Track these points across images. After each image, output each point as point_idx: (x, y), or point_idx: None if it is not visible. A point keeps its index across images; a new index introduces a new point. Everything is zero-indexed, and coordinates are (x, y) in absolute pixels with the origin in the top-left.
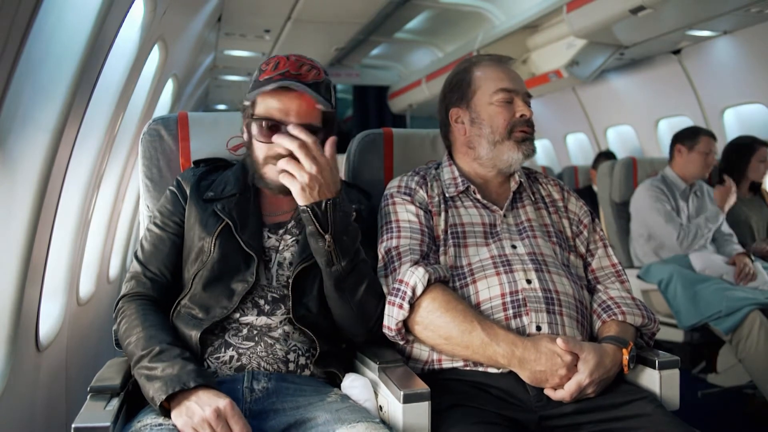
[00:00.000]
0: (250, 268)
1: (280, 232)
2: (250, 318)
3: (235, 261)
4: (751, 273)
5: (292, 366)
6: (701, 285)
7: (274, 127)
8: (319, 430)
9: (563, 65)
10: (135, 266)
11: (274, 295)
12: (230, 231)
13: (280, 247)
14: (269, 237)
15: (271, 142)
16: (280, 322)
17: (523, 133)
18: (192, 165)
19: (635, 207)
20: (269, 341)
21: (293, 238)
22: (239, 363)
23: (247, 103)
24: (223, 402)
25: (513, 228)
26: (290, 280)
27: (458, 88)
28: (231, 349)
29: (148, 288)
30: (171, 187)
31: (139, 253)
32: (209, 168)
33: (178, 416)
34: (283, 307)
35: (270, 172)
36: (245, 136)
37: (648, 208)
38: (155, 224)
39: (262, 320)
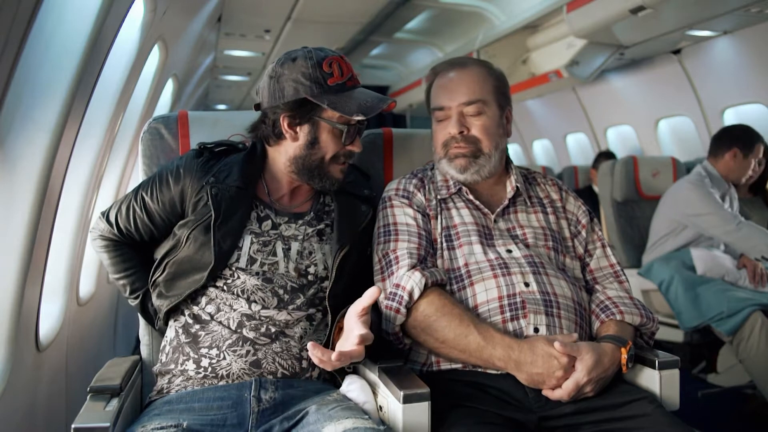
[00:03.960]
0: (207, 268)
1: (300, 222)
2: (271, 312)
3: (203, 256)
4: (764, 274)
5: (305, 364)
6: (702, 286)
7: (352, 129)
8: (309, 429)
9: (563, 65)
10: (104, 224)
11: (294, 284)
12: (211, 223)
13: (300, 236)
14: (288, 227)
15: (349, 146)
16: (298, 319)
17: (456, 149)
18: (195, 148)
19: (674, 198)
20: (285, 339)
21: (313, 229)
22: (255, 357)
23: (311, 99)
24: None
25: (505, 233)
26: (334, 264)
27: (426, 102)
28: (248, 343)
29: (118, 237)
30: (168, 176)
31: (114, 216)
32: (213, 154)
33: None
34: (302, 296)
35: (334, 169)
36: (304, 134)
37: (700, 196)
38: (142, 202)
39: (283, 315)
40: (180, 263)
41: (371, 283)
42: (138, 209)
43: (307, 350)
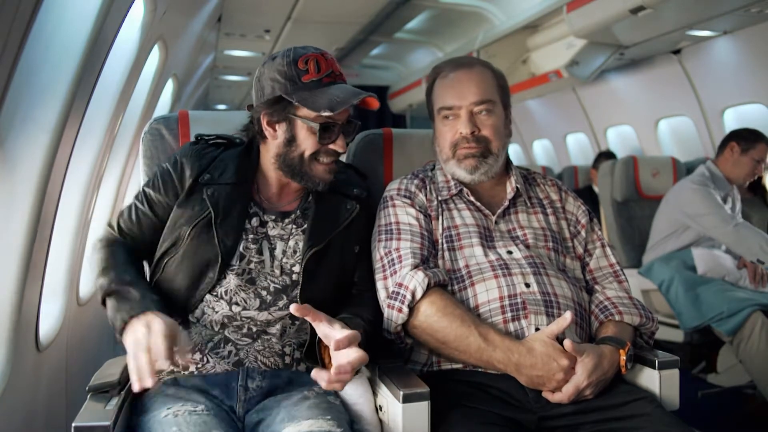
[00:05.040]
0: (215, 267)
1: (286, 221)
2: (252, 312)
3: (205, 255)
4: (765, 274)
5: (288, 359)
6: (703, 287)
7: (332, 128)
8: (273, 429)
9: (563, 65)
10: (107, 229)
11: (277, 285)
12: (211, 221)
13: (286, 236)
14: (274, 226)
15: (331, 145)
16: (280, 318)
17: (465, 150)
18: (192, 139)
19: (677, 198)
20: (266, 336)
21: (299, 228)
22: (237, 358)
23: (284, 96)
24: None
25: (506, 235)
26: (303, 262)
27: (428, 101)
28: (230, 344)
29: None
30: (168, 166)
31: (116, 219)
32: (209, 145)
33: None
34: (285, 297)
35: (317, 169)
36: (282, 132)
37: (702, 196)
38: (144, 196)
39: (264, 315)
40: (180, 261)
41: (368, 282)
42: (140, 204)
43: (289, 346)
